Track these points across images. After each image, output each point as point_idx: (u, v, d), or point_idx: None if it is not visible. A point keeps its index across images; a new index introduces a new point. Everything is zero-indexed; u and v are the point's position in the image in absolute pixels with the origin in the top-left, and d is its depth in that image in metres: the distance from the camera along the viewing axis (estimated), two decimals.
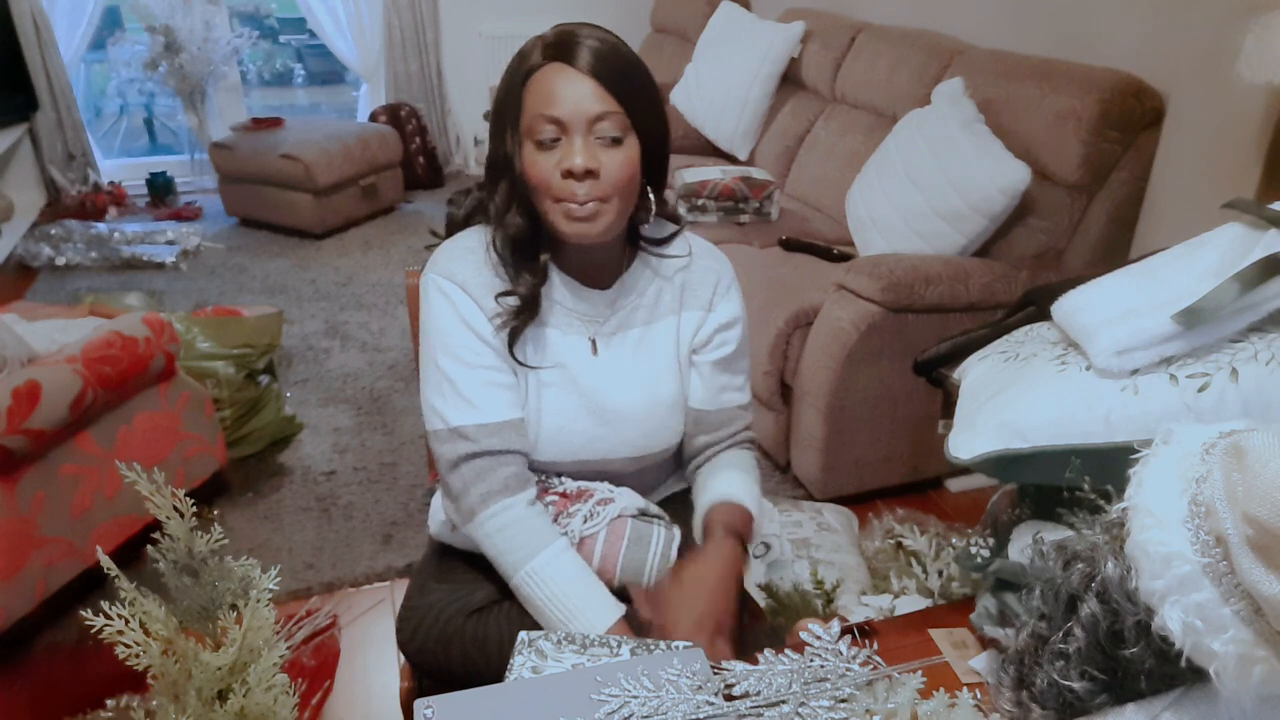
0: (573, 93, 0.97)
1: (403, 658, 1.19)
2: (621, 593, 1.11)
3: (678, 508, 1.24)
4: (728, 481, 1.17)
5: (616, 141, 1.00)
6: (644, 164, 1.04)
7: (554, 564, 1.06)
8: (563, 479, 1.18)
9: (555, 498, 1.15)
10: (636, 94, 1.01)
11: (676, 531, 1.15)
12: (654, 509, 1.18)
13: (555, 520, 1.12)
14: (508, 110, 1.03)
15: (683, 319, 1.17)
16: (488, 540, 1.09)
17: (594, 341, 1.14)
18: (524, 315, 1.09)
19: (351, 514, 2.28)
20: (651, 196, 1.09)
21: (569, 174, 0.99)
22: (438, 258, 1.12)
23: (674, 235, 1.17)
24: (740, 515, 1.14)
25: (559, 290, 1.12)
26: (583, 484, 1.17)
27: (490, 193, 1.08)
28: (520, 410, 1.11)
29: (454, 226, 1.16)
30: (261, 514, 2.27)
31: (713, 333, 1.17)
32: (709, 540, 1.10)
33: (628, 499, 1.16)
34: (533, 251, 1.09)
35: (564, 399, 1.12)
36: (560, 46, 0.99)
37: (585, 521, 1.12)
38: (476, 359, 1.09)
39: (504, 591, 1.12)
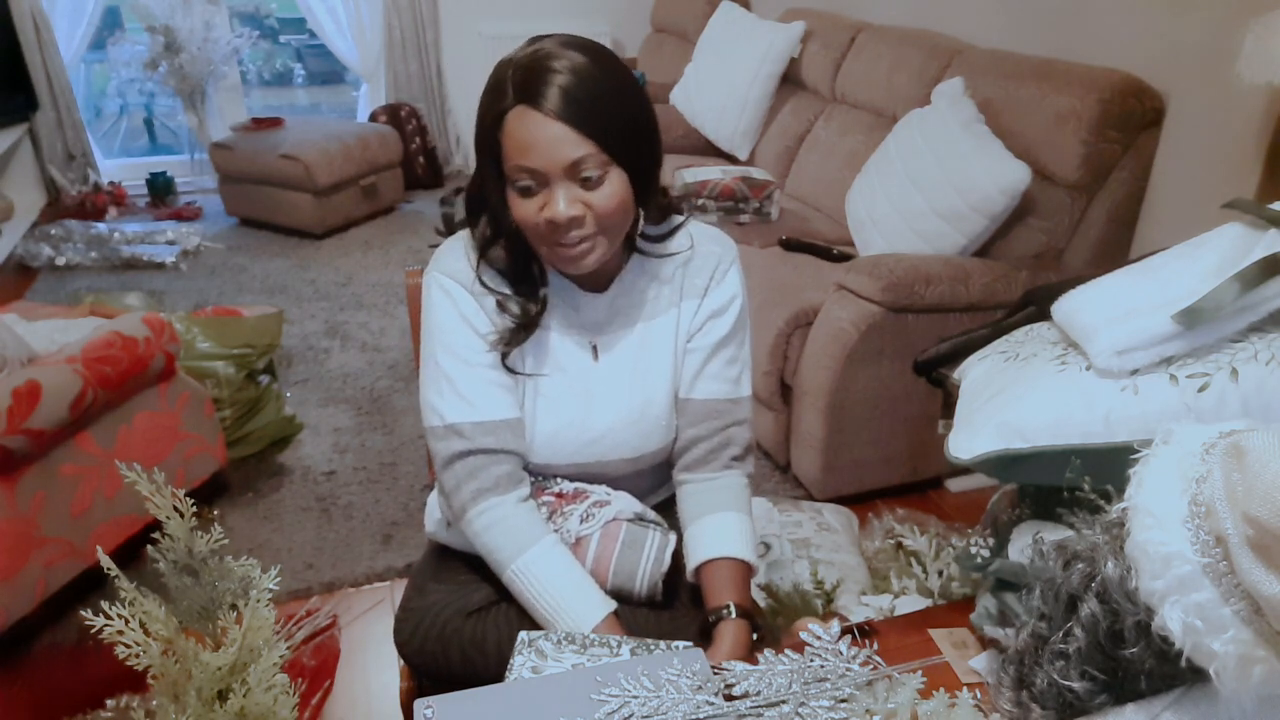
0: (545, 140, 0.93)
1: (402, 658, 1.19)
2: (616, 596, 1.11)
3: (674, 511, 1.23)
4: (722, 529, 1.11)
5: (599, 179, 0.96)
6: (633, 184, 1.00)
7: (542, 560, 1.06)
8: (559, 480, 1.17)
9: (551, 498, 1.15)
10: (613, 126, 0.95)
11: (672, 537, 1.14)
12: (651, 514, 1.18)
13: (550, 519, 1.12)
14: (485, 147, 0.99)
15: (682, 309, 1.14)
16: (478, 538, 1.09)
17: (595, 347, 1.13)
18: (521, 334, 1.08)
19: (351, 514, 2.28)
20: (642, 212, 1.07)
21: (552, 224, 0.97)
22: (440, 256, 1.11)
23: (676, 230, 1.14)
24: (743, 580, 1.09)
25: (556, 295, 1.11)
26: (580, 485, 1.17)
27: (474, 221, 1.07)
28: (518, 410, 1.11)
29: (453, 226, 1.16)
30: (261, 514, 2.26)
31: (705, 319, 1.14)
32: (721, 630, 1.04)
33: (624, 503, 1.15)
34: (525, 275, 1.08)
35: (560, 404, 1.12)
36: (528, 86, 0.93)
37: (581, 522, 1.12)
38: (476, 357, 1.09)
39: (503, 592, 1.12)
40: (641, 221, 1.10)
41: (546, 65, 0.94)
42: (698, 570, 1.10)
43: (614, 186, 0.97)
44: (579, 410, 1.12)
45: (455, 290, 1.09)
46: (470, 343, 1.08)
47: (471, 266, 1.09)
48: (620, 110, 0.97)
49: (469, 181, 1.08)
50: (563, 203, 0.95)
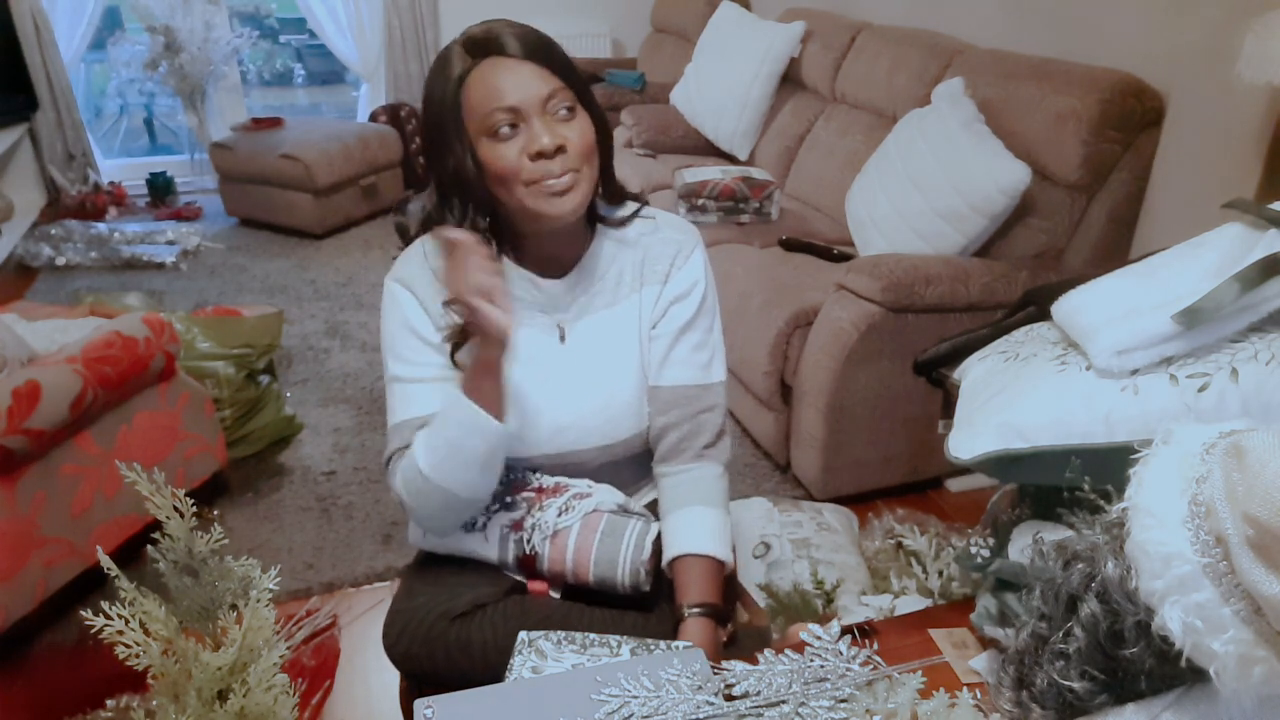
0: (516, 79, 0.98)
1: None
2: (599, 593, 1.11)
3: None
4: (694, 524, 1.12)
5: (571, 113, 1.01)
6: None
7: (424, 439, 1.05)
8: (539, 474, 1.17)
9: (531, 493, 1.14)
10: (571, 71, 1.02)
11: (654, 526, 1.13)
12: (636, 507, 1.17)
13: (528, 513, 1.12)
14: (447, 123, 1.01)
15: (643, 296, 1.15)
16: (406, 491, 1.07)
17: (562, 329, 1.14)
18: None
19: (351, 514, 2.28)
20: (600, 183, 1.10)
21: (539, 155, 0.98)
22: (398, 261, 1.14)
23: (636, 213, 1.16)
24: (712, 577, 1.09)
25: (515, 285, 1.11)
26: (561, 480, 1.16)
27: (443, 211, 1.06)
28: None
29: (408, 237, 1.16)
30: (261, 514, 2.26)
31: (668, 305, 1.15)
32: (681, 630, 1.05)
33: (606, 495, 1.15)
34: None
35: (526, 395, 1.11)
36: (485, 42, 0.99)
37: (559, 515, 1.12)
38: (418, 357, 1.10)
39: (489, 596, 1.12)
40: (600, 193, 1.11)
41: (496, 28, 1.00)
42: (670, 566, 1.11)
43: (585, 124, 1.02)
44: (545, 399, 1.12)
45: (401, 295, 1.10)
46: (412, 346, 1.10)
47: (427, 265, 1.10)
48: (571, 63, 1.02)
49: (431, 183, 1.08)
50: (545, 136, 0.98)
